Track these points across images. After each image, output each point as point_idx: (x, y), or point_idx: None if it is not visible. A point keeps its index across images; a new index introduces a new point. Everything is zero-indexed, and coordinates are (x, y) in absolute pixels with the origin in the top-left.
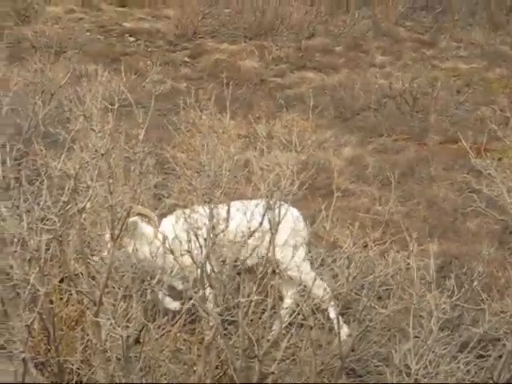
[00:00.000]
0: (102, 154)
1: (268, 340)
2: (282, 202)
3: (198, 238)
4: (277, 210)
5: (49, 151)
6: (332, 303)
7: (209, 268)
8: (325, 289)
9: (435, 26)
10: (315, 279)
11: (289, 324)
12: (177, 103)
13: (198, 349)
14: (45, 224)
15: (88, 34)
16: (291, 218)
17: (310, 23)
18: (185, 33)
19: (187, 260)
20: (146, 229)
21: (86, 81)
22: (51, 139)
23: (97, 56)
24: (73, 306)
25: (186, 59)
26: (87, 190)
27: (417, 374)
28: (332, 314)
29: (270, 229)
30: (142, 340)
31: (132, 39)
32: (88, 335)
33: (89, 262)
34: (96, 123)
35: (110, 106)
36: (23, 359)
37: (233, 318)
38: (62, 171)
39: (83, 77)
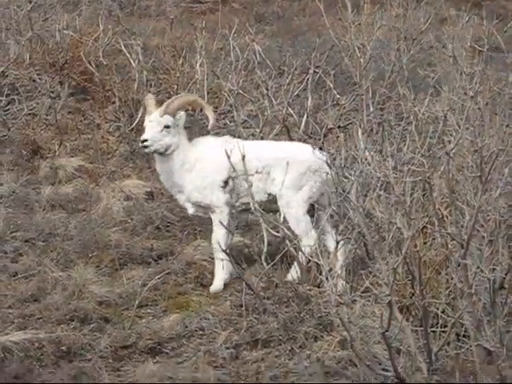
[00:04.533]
0: (472, 97)
1: None
2: None
3: None
4: None
5: (412, 95)
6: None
7: None
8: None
9: None
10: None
11: None
12: None
13: None
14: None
15: None
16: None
17: None
18: None
19: None
20: None
21: (448, 25)
22: (414, 83)
23: (458, 1)
24: (436, 250)
25: None
26: (454, 132)
27: None
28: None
29: None
30: (507, 285)
31: None
32: (453, 279)
33: (455, 206)
34: (464, 65)
35: (478, 48)
36: (389, 302)
37: None
38: (429, 114)
39: (444, 22)
